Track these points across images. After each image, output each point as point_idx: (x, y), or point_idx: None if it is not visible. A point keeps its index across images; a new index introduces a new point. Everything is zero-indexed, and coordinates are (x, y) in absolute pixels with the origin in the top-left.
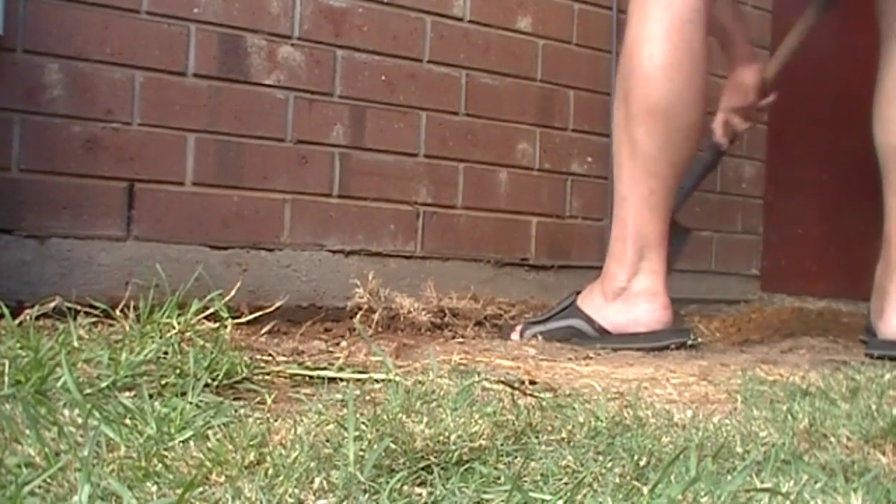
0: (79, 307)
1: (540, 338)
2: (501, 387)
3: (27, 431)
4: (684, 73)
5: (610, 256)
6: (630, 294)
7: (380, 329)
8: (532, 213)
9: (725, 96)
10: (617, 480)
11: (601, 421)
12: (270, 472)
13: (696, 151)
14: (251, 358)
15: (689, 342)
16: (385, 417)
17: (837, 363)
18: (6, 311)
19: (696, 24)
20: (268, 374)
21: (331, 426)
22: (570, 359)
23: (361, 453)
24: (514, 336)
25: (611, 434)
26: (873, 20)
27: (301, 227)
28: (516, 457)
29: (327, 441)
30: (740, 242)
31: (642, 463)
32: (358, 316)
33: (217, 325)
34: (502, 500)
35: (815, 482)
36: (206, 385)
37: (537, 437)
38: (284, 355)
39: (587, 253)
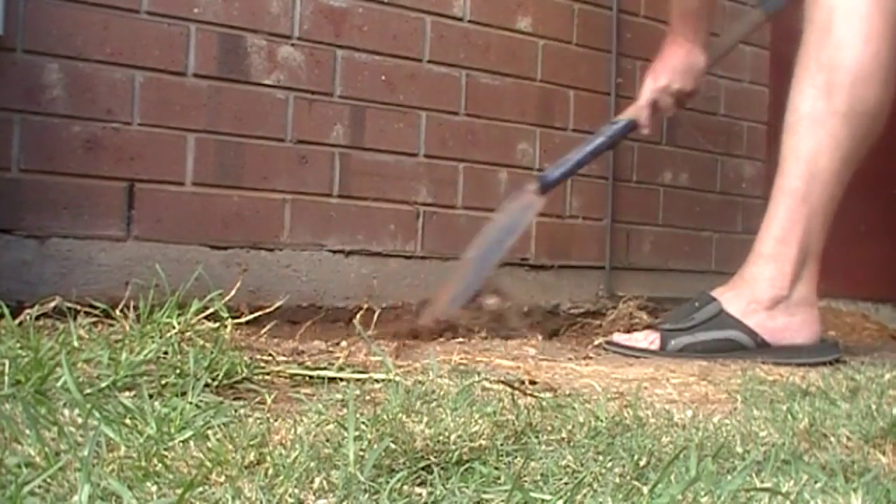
0: (79, 307)
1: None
2: (501, 387)
3: (27, 431)
4: (893, 77)
5: (765, 258)
6: (790, 303)
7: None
8: None
9: (667, 75)
10: (617, 480)
11: (601, 421)
12: (270, 472)
13: None
14: (251, 358)
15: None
16: (385, 417)
17: (837, 363)
18: (6, 311)
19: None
20: (268, 374)
21: (331, 426)
22: (570, 359)
23: (361, 453)
24: (643, 343)
25: (611, 434)
26: None
27: (301, 227)
28: (516, 457)
29: (327, 441)
30: (740, 242)
31: (642, 463)
32: (358, 316)
33: (217, 325)
34: (502, 500)
35: (815, 482)
36: (206, 385)
37: (537, 437)
38: (284, 355)
39: (587, 253)
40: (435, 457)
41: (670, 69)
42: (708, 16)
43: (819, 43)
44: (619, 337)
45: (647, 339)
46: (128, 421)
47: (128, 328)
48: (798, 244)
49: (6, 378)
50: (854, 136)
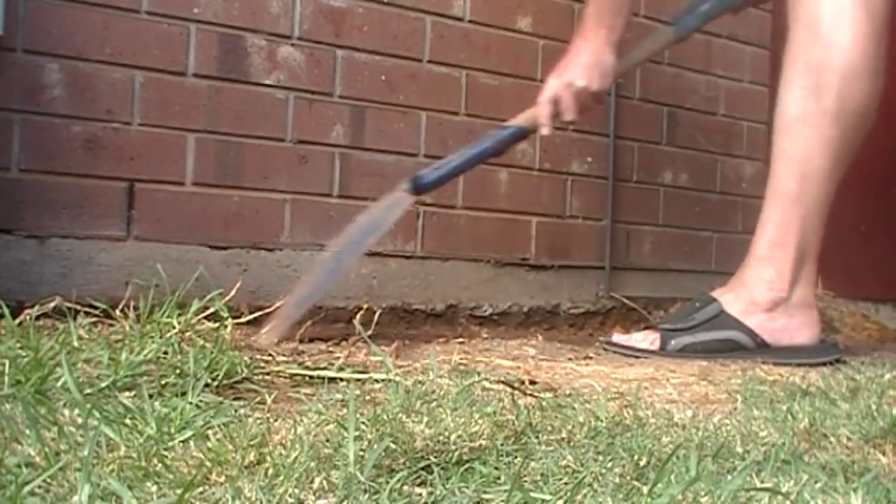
0: (79, 307)
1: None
2: (501, 387)
3: (27, 431)
4: (881, 77)
5: (761, 261)
6: (790, 305)
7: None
8: (532, 213)
9: (573, 71)
10: (617, 480)
11: (601, 421)
12: (270, 472)
13: None
14: (251, 358)
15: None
16: (385, 417)
17: (837, 363)
18: (6, 311)
19: (889, 16)
20: (268, 374)
21: (331, 426)
22: (570, 359)
23: (361, 453)
24: (643, 343)
25: (611, 434)
26: None
27: (301, 227)
28: (516, 457)
29: (327, 441)
30: (740, 242)
31: (642, 463)
32: (358, 316)
33: (217, 324)
34: (502, 500)
35: (815, 482)
36: (206, 385)
37: (537, 437)
38: (284, 355)
39: (587, 253)
40: (435, 457)
41: (576, 65)
42: (624, 18)
43: (806, 42)
44: (618, 337)
45: (647, 340)
46: (128, 421)
47: (128, 328)
48: (794, 246)
49: (6, 378)
50: (844, 136)
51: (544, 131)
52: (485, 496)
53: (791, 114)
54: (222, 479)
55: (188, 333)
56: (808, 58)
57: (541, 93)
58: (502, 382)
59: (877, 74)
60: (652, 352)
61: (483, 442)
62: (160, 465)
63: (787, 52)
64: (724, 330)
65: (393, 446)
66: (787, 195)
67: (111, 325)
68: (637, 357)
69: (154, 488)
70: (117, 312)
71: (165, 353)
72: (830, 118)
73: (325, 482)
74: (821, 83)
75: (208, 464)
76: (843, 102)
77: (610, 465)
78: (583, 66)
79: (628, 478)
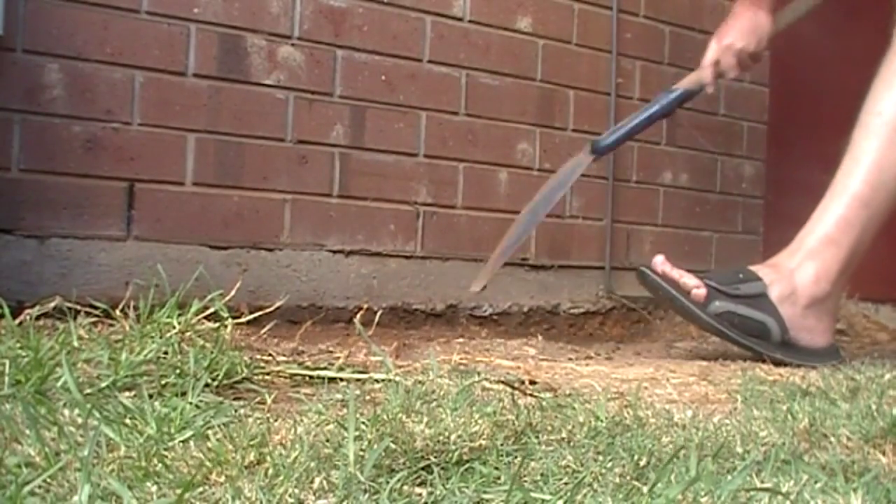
0: (79, 307)
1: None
2: (501, 387)
3: (27, 431)
4: None
5: (811, 253)
6: (824, 307)
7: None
8: None
9: (732, 34)
10: (617, 480)
11: (601, 421)
12: (270, 472)
13: None
14: (251, 358)
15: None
16: (385, 417)
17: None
18: (6, 311)
19: None
20: (268, 374)
21: (331, 426)
22: (570, 359)
23: (361, 453)
24: (690, 281)
25: (611, 434)
26: (875, 20)
27: (301, 227)
28: (516, 457)
29: (327, 441)
30: (740, 242)
31: (642, 463)
32: (358, 316)
33: (217, 325)
34: (502, 500)
35: (815, 482)
36: (206, 385)
37: (537, 437)
38: (284, 355)
39: (587, 253)
40: (435, 457)
41: (735, 29)
42: None
43: None
44: (663, 264)
45: (695, 284)
46: (128, 421)
47: (128, 328)
48: (849, 248)
49: (6, 378)
50: None
51: (709, 90)
52: (485, 496)
53: (883, 116)
54: (222, 479)
55: (188, 333)
56: None
57: (704, 56)
58: (502, 382)
59: None
60: (696, 303)
61: (483, 442)
62: (160, 465)
63: (891, 52)
64: (762, 313)
65: (393, 446)
66: (857, 196)
67: (111, 325)
68: (677, 298)
69: (154, 488)
70: (117, 312)
71: (165, 353)
72: None
73: (325, 482)
74: None
75: (208, 464)
76: None
77: (610, 465)
78: (741, 29)
79: (628, 478)
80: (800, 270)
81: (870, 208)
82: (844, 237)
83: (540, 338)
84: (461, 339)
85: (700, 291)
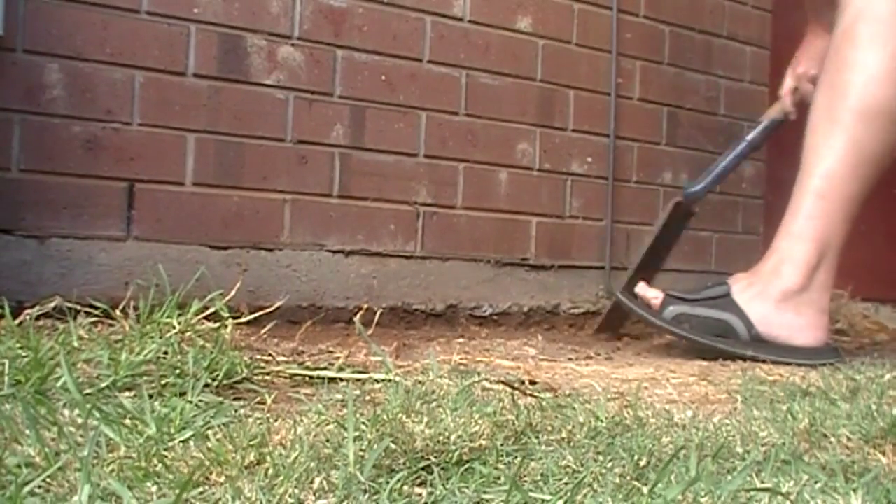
0: (79, 307)
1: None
2: (501, 387)
3: (27, 431)
4: None
5: (780, 253)
6: (801, 302)
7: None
8: (532, 213)
9: (802, 63)
10: (617, 480)
11: (601, 421)
12: (270, 472)
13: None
14: (251, 358)
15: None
16: (385, 417)
17: (837, 363)
18: (6, 311)
19: None
20: (268, 374)
21: (331, 426)
22: (570, 359)
23: (361, 453)
24: (648, 294)
25: (611, 434)
26: None
27: (301, 227)
28: (516, 457)
29: (327, 441)
30: (740, 242)
31: (642, 463)
32: (358, 316)
33: (217, 325)
34: (502, 500)
35: (815, 482)
36: (206, 385)
37: (537, 437)
38: (284, 355)
39: (587, 253)
40: (435, 457)
41: (808, 56)
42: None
43: (840, 45)
44: (639, 290)
45: (652, 295)
46: (128, 421)
47: (128, 328)
48: (815, 241)
49: (6, 378)
50: (874, 137)
51: (792, 117)
52: (485, 496)
53: (820, 111)
54: (222, 479)
55: (188, 333)
56: (838, 59)
57: (782, 86)
58: (502, 382)
59: None
60: (650, 312)
61: (483, 442)
62: (160, 465)
63: (827, 57)
64: (723, 311)
65: (393, 446)
66: (813, 190)
67: (111, 325)
68: (635, 311)
69: (154, 488)
70: (117, 312)
71: (165, 353)
72: (857, 116)
73: (325, 482)
74: (848, 81)
75: (208, 464)
76: (869, 102)
77: (610, 465)
78: (812, 56)
79: (628, 478)
80: (768, 268)
81: (827, 199)
82: (807, 231)
83: (540, 338)
84: (461, 339)
85: (656, 301)
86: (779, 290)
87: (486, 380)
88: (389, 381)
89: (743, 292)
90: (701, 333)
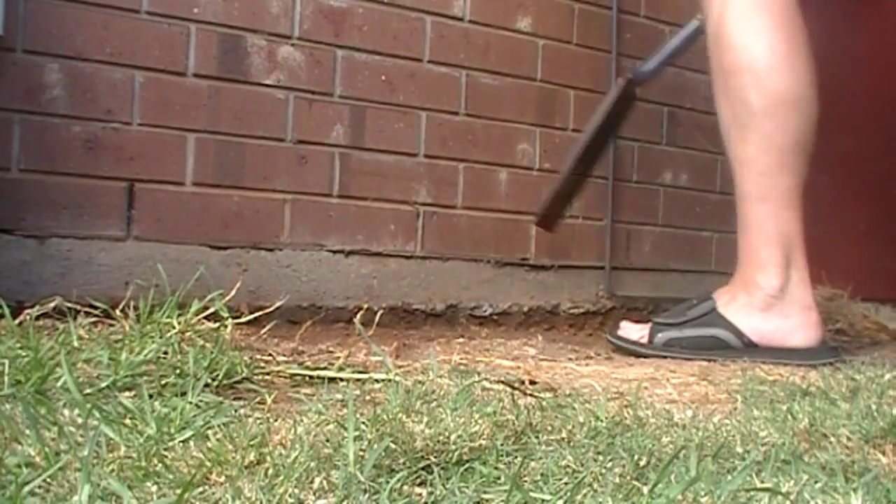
0: (79, 307)
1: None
2: (501, 387)
3: (27, 431)
4: (803, 61)
5: (750, 264)
6: (784, 305)
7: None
8: (532, 213)
9: None
10: (617, 480)
11: (601, 421)
12: (270, 472)
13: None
14: (251, 358)
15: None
16: (385, 417)
17: (837, 362)
18: (6, 311)
19: (797, 11)
20: (268, 374)
21: (331, 426)
22: (570, 359)
23: (361, 453)
24: (633, 335)
25: (611, 434)
26: (875, 20)
27: (301, 227)
28: (516, 457)
29: (327, 441)
30: None
31: (642, 463)
32: (358, 316)
33: (217, 325)
34: (502, 500)
35: (815, 482)
36: (206, 385)
37: (537, 437)
38: (284, 355)
39: (587, 253)
40: (435, 457)
41: None
42: None
43: (716, 51)
44: (623, 325)
45: (638, 332)
46: (128, 421)
47: (128, 328)
48: (773, 243)
49: (6, 378)
50: (783, 127)
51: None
52: (485, 496)
53: (726, 121)
54: (222, 479)
55: (188, 333)
56: (721, 64)
57: None
58: (502, 382)
59: (794, 63)
60: (641, 345)
61: (483, 442)
62: (160, 465)
63: (711, 65)
64: (712, 328)
65: (393, 446)
66: (750, 197)
67: (111, 325)
68: (627, 349)
69: (154, 488)
70: (117, 312)
71: (165, 353)
72: (759, 114)
73: (325, 482)
74: (738, 84)
75: (208, 464)
76: (765, 97)
77: (610, 465)
78: None
79: (628, 478)
80: (746, 281)
81: (767, 200)
82: (763, 236)
83: (540, 338)
84: (461, 339)
85: (643, 333)
86: (759, 298)
87: (486, 380)
88: (389, 380)
89: (729, 306)
90: (696, 352)
